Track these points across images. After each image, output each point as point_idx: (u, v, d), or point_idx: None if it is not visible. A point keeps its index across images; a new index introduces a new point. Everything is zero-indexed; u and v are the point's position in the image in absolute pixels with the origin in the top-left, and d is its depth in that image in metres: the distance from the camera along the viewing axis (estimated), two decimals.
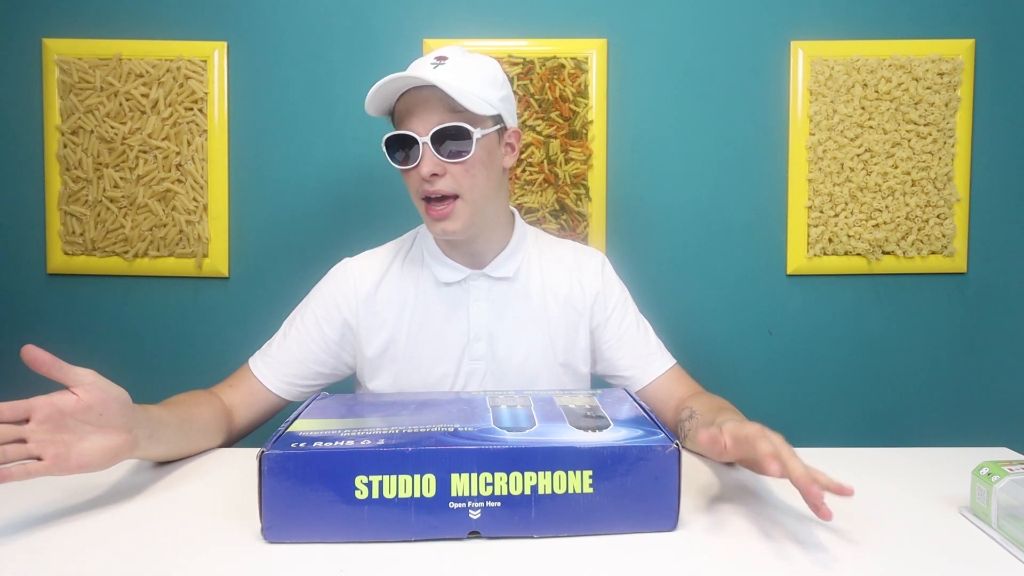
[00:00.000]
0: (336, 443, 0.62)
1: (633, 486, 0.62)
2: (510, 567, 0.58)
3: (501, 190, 0.99)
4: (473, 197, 0.93)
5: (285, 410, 1.00)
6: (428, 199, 0.92)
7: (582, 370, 1.05)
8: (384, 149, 0.93)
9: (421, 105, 0.90)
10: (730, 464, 0.83)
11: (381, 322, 1.00)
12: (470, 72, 0.92)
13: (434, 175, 0.90)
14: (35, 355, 0.64)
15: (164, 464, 0.83)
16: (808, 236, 1.52)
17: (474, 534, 0.62)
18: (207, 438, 0.88)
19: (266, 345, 1.02)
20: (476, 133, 0.90)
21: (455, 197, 0.92)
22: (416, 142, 0.90)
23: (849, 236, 1.52)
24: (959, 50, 1.50)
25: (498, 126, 0.95)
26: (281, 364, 0.99)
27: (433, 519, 0.61)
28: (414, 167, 0.91)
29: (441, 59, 0.92)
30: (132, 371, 1.52)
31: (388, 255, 1.05)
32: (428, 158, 0.90)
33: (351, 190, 1.52)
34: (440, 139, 0.89)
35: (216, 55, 1.49)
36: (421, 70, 0.91)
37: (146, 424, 0.74)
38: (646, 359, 1.04)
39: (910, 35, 1.51)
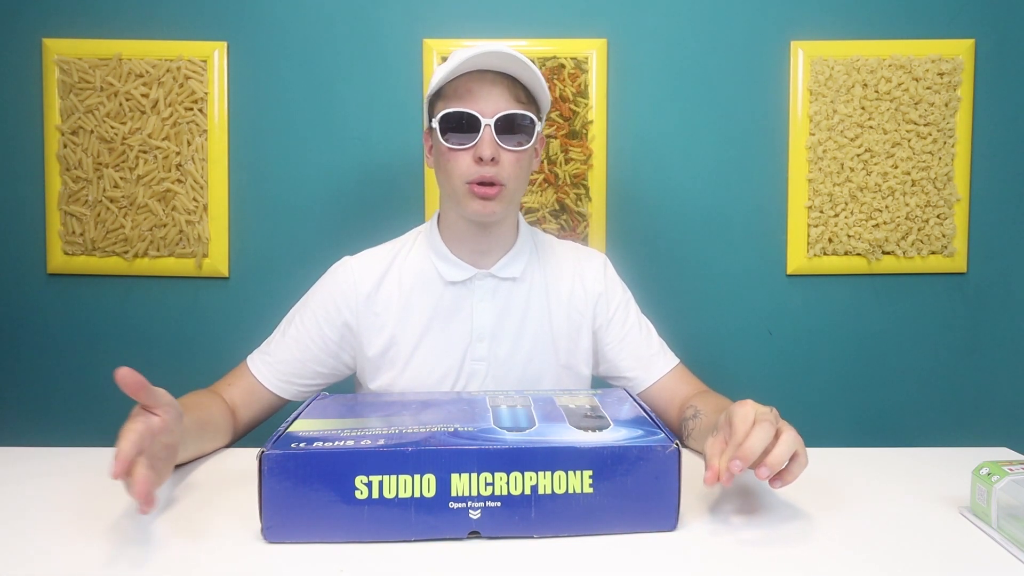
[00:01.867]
0: (336, 443, 0.62)
1: (633, 486, 0.62)
2: (510, 567, 0.58)
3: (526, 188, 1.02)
4: (515, 187, 0.94)
5: (285, 409, 1.00)
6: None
7: (584, 372, 1.05)
8: (436, 124, 0.92)
9: (488, 87, 0.90)
10: None
11: (382, 322, 1.00)
12: (531, 65, 0.92)
13: (493, 159, 0.90)
14: (130, 378, 0.63)
15: None
16: (808, 236, 1.52)
17: (474, 534, 0.62)
18: (218, 439, 0.89)
19: (265, 343, 1.02)
20: (538, 125, 0.93)
21: (501, 184, 0.92)
22: (477, 123, 0.90)
23: (849, 236, 1.52)
24: (959, 50, 1.50)
25: (540, 124, 0.97)
26: (279, 363, 0.99)
27: (433, 519, 0.61)
28: (469, 147, 0.91)
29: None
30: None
31: (390, 253, 1.04)
32: (489, 141, 0.90)
33: (351, 190, 1.52)
34: (504, 125, 0.90)
35: (216, 55, 1.49)
36: (485, 49, 0.89)
37: (183, 433, 0.74)
38: (648, 360, 1.04)
39: (910, 35, 1.51)
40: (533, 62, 1.47)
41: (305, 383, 1.00)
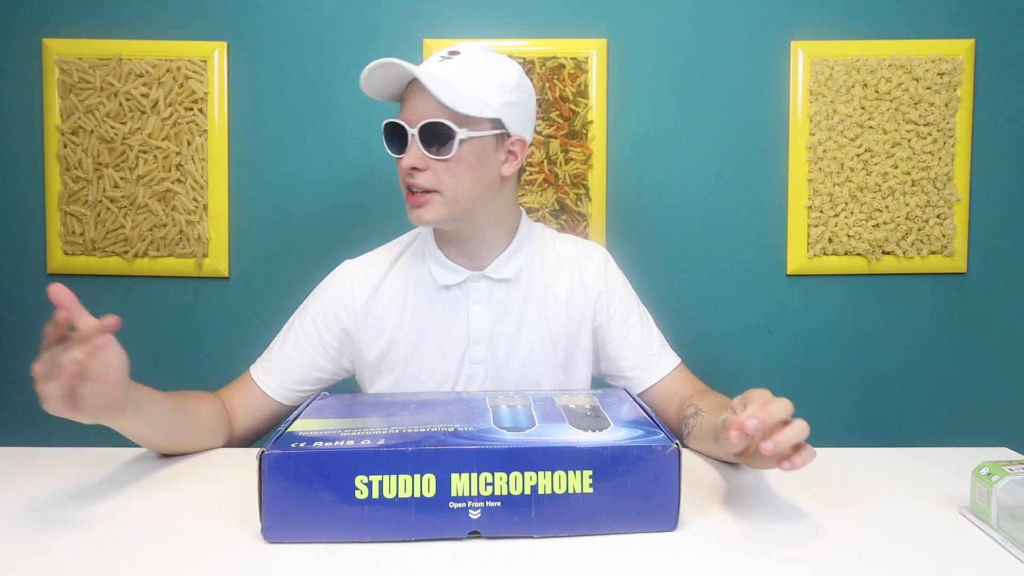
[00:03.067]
0: (336, 443, 0.62)
1: (633, 486, 0.62)
2: (510, 567, 0.58)
3: (498, 195, 0.97)
4: (454, 195, 0.92)
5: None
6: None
7: (583, 371, 1.04)
8: (383, 135, 0.94)
9: (415, 96, 0.91)
10: (733, 464, 0.83)
11: (381, 327, 1.00)
12: (477, 71, 0.91)
13: (415, 168, 0.90)
14: (63, 294, 0.69)
15: (164, 462, 0.83)
16: (808, 236, 1.52)
17: (474, 534, 0.62)
18: (203, 432, 0.88)
19: (266, 351, 1.02)
20: (460, 133, 0.89)
21: (434, 191, 0.92)
22: (405, 132, 0.90)
23: (849, 236, 1.52)
24: (959, 50, 1.50)
25: (497, 131, 0.93)
26: (281, 370, 0.99)
27: (433, 519, 0.61)
28: (402, 157, 0.92)
29: (454, 53, 0.92)
30: (132, 371, 1.51)
31: (388, 257, 1.04)
32: (413, 151, 0.90)
33: (351, 190, 1.52)
34: (426, 133, 0.89)
35: (216, 55, 1.49)
36: (426, 62, 0.91)
37: (137, 393, 0.75)
38: (650, 360, 1.03)
39: (910, 35, 1.51)
40: (534, 64, 1.48)
41: (306, 388, 1.00)
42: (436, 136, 0.89)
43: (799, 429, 0.64)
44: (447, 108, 0.88)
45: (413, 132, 0.89)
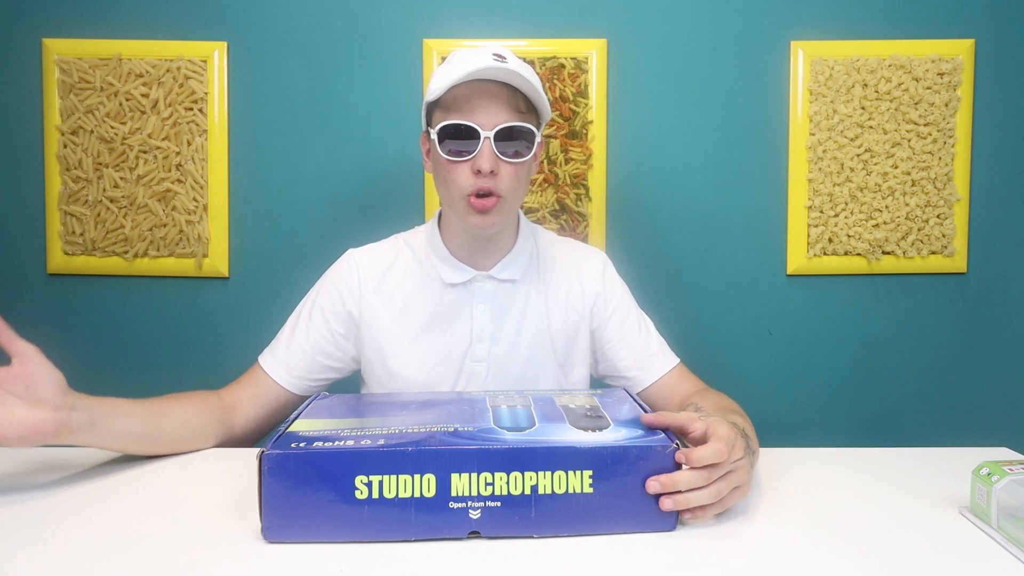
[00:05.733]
0: (336, 443, 0.62)
1: (633, 486, 0.62)
2: (510, 567, 0.58)
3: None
4: (512, 199, 0.93)
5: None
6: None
7: (581, 372, 1.05)
8: (435, 135, 0.91)
9: (488, 99, 0.89)
10: None
11: (382, 319, 1.00)
12: (531, 76, 0.92)
13: (491, 172, 0.89)
14: None
15: (163, 462, 0.83)
16: (808, 236, 1.52)
17: (474, 534, 0.62)
18: (188, 433, 0.86)
19: (274, 341, 1.02)
20: (538, 136, 0.93)
21: (498, 196, 0.91)
22: (476, 134, 0.89)
23: (849, 236, 1.52)
24: (959, 50, 1.50)
25: (539, 135, 0.97)
26: (290, 358, 0.99)
27: (433, 519, 0.61)
28: (468, 160, 0.90)
29: (500, 57, 0.90)
30: (132, 371, 1.52)
31: (393, 250, 1.04)
32: (488, 154, 0.89)
33: (351, 190, 1.52)
34: (503, 137, 0.89)
35: (216, 55, 1.49)
36: (486, 62, 0.88)
37: (87, 410, 0.73)
38: (648, 360, 1.04)
39: (910, 35, 1.51)
40: (533, 64, 1.48)
41: (315, 377, 1.00)
42: (514, 139, 0.90)
43: (708, 495, 0.63)
44: (522, 112, 0.90)
45: (488, 135, 0.88)
